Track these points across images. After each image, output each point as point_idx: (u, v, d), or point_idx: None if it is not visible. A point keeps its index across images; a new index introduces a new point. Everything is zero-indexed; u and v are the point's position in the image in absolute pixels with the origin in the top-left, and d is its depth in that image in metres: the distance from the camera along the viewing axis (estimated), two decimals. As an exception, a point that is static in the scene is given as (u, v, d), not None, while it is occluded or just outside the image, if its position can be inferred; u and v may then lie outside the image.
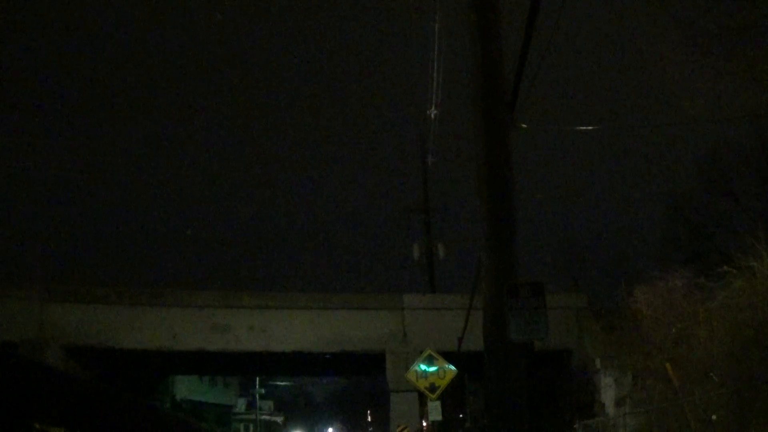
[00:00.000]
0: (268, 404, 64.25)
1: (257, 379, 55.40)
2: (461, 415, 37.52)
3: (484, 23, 8.21)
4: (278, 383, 64.39)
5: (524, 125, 8.66)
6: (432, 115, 22.94)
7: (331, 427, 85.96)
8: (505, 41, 8.21)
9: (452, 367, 18.38)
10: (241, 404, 58.65)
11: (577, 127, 12.65)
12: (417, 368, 18.34)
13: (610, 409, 22.85)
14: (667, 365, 18.04)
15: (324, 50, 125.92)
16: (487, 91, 8.08)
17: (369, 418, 78.59)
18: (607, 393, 23.30)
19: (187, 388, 44.76)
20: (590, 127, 12.51)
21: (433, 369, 18.20)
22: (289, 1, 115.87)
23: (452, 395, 26.94)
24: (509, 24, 8.25)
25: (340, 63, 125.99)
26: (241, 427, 58.41)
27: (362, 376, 50.59)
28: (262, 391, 59.07)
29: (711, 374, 16.44)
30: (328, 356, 27.58)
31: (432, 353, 18.40)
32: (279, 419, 67.15)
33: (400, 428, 22.54)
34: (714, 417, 15.83)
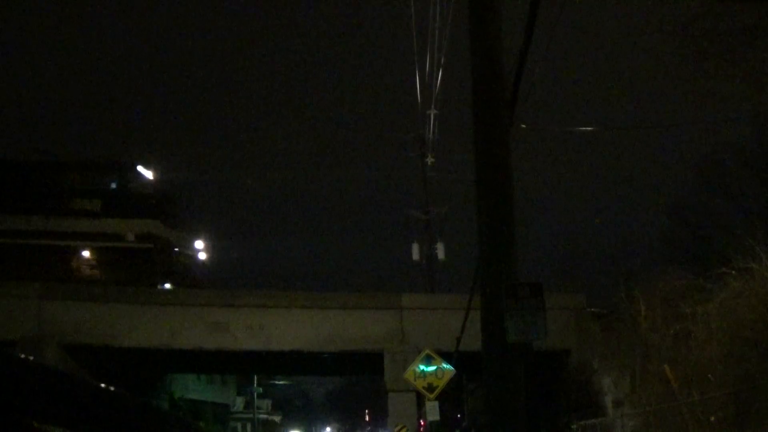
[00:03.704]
0: (266, 403, 64.18)
1: (255, 378, 55.39)
2: (459, 415, 37.55)
3: (484, 23, 8.20)
4: (276, 382, 64.35)
5: (524, 125, 8.67)
6: (432, 115, 22.98)
7: (329, 426, 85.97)
8: (506, 41, 8.21)
9: (450, 367, 18.37)
10: (239, 403, 58.58)
11: (577, 128, 12.68)
12: (415, 368, 18.34)
13: (609, 410, 22.85)
14: (666, 366, 18.04)
15: (322, 48, 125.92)
16: (487, 90, 8.07)
17: (367, 418, 78.62)
18: (606, 394, 23.30)
19: (185, 386, 44.73)
20: (590, 128, 12.56)
21: (431, 369, 18.19)
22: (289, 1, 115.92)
23: (450, 395, 26.97)
24: (509, 24, 8.25)
25: (339, 61, 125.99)
26: (239, 425, 58.37)
27: (360, 376, 50.58)
28: (260, 390, 59.01)
29: (709, 375, 16.44)
30: (326, 356, 27.57)
31: (430, 353, 18.40)
32: (277, 418, 67.12)
33: (398, 428, 22.54)
34: (712, 418, 15.84)
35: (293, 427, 74.08)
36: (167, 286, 42.82)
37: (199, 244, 49.59)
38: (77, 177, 45.75)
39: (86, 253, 43.42)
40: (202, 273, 49.96)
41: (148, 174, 46.59)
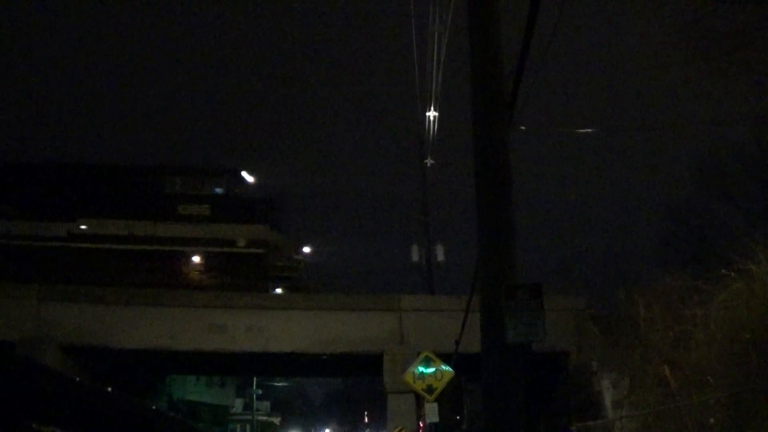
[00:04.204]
0: (265, 405, 64.12)
1: (254, 379, 55.37)
2: (458, 417, 37.52)
3: (484, 24, 8.19)
4: (275, 384, 64.30)
5: (523, 127, 8.66)
6: (431, 117, 22.93)
7: (328, 428, 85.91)
8: (505, 42, 8.19)
9: (450, 369, 18.34)
10: (238, 405, 58.53)
11: (577, 130, 12.68)
12: (414, 370, 18.30)
13: (608, 411, 22.83)
14: (665, 368, 18.02)
15: (325, 50, 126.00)
16: (486, 91, 8.06)
17: (366, 420, 78.60)
18: (605, 396, 23.27)
19: (184, 388, 44.71)
20: (589, 130, 12.55)
21: (430, 370, 18.16)
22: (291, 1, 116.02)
23: (449, 397, 26.93)
24: (509, 24, 8.24)
25: (341, 61, 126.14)
26: (238, 427, 58.32)
27: (360, 378, 50.54)
28: (259, 391, 58.99)
29: (709, 377, 16.41)
30: (325, 357, 27.56)
31: (429, 355, 18.36)
32: (276, 420, 67.08)
33: (397, 429, 22.55)
34: (712, 420, 15.80)
35: (292, 429, 74.03)
36: (278, 290, 42.96)
37: (306, 248, 50.08)
38: (182, 182, 45.47)
39: (196, 258, 43.21)
40: (310, 277, 50.18)
41: (251, 179, 46.87)
